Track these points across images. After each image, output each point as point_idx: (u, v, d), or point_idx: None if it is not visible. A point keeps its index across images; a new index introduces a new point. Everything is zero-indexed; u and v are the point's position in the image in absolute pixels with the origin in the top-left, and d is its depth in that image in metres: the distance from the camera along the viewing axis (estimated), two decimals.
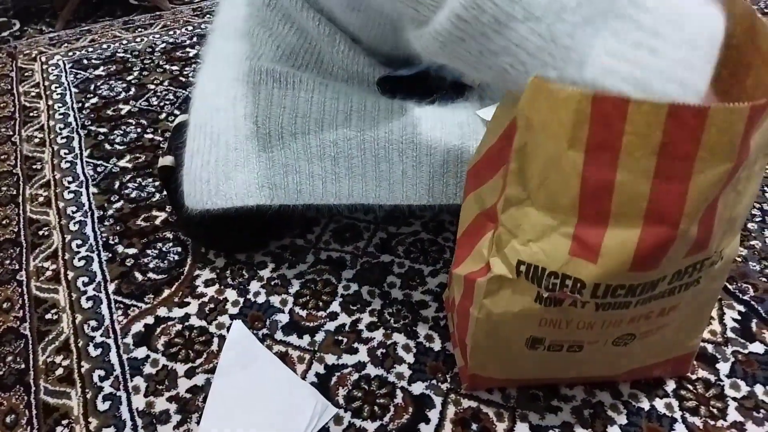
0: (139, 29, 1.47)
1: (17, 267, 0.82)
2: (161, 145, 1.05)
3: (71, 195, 0.94)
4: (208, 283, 0.78)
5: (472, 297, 0.54)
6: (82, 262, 0.82)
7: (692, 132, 0.38)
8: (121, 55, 1.35)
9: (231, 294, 0.76)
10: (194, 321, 0.73)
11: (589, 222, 0.43)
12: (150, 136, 1.07)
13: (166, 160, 0.78)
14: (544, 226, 0.46)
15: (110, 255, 0.83)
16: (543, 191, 0.45)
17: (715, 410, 0.62)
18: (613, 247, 0.43)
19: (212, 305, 0.75)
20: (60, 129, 1.10)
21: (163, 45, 1.38)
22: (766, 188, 0.91)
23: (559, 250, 0.45)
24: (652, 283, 0.45)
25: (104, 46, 1.39)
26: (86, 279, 0.79)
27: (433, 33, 0.44)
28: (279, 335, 0.71)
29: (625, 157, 0.40)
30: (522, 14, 0.40)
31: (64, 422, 0.63)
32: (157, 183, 0.95)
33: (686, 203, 0.40)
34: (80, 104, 1.17)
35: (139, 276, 0.80)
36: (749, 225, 0.84)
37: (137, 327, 0.73)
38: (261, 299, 0.76)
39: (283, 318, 0.73)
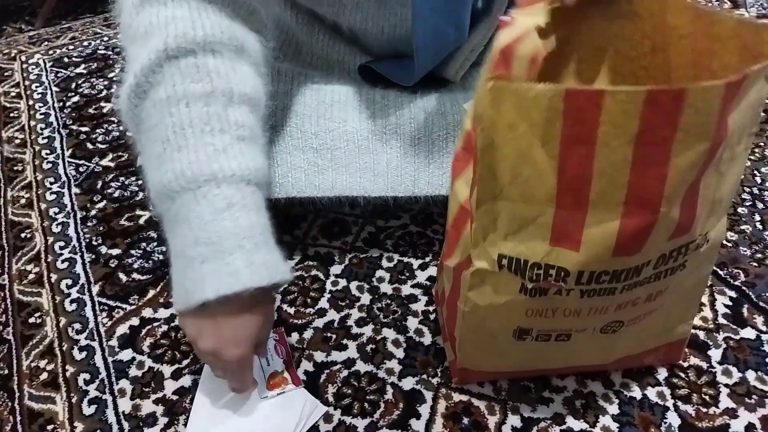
0: None
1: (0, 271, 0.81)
2: None
3: (53, 196, 0.93)
4: None
5: (460, 290, 0.53)
6: (66, 264, 0.81)
7: (669, 116, 0.38)
8: (102, 52, 1.33)
9: None
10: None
11: (567, 211, 0.43)
12: None
13: None
14: (521, 218, 0.45)
15: (94, 256, 0.81)
16: (516, 186, 0.44)
17: (707, 397, 0.62)
18: (594, 234, 0.42)
19: None
20: (41, 129, 1.08)
21: None
22: (756, 171, 0.91)
23: (539, 242, 0.45)
24: (636, 268, 0.45)
25: (85, 43, 1.37)
26: (70, 281, 0.78)
27: None
28: None
29: (602, 149, 0.40)
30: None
31: (50, 427, 0.62)
32: (140, 182, 0.94)
33: (666, 186, 0.40)
34: (61, 103, 1.15)
35: (123, 277, 0.78)
36: (739, 209, 0.84)
37: (122, 329, 0.72)
38: None
39: None
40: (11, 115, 1.13)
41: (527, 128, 0.41)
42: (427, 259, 0.79)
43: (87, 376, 0.67)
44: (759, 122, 0.45)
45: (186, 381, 0.65)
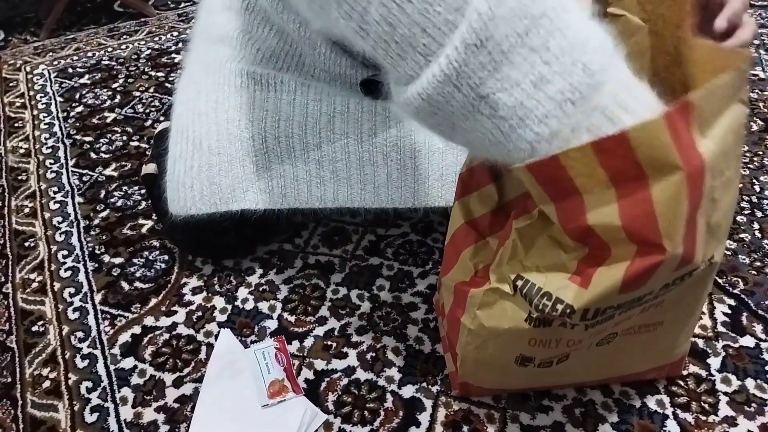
0: (125, 36, 1.46)
1: (3, 279, 0.81)
2: (147, 152, 1.04)
3: (57, 205, 0.93)
4: (195, 291, 0.77)
5: (464, 306, 0.53)
6: (69, 273, 0.81)
7: (626, 158, 0.38)
8: (107, 62, 1.34)
9: (219, 301, 0.76)
10: (182, 330, 0.72)
11: (596, 250, 0.43)
12: (136, 143, 1.07)
13: (149, 168, 0.78)
14: (555, 260, 0.46)
15: (96, 265, 0.82)
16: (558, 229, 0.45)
17: (706, 405, 0.62)
18: (605, 272, 0.42)
19: (200, 313, 0.74)
20: (45, 139, 1.09)
21: (149, 51, 1.38)
22: (755, 180, 0.91)
23: (561, 275, 0.45)
24: (638, 298, 0.45)
25: (89, 54, 1.39)
26: (73, 290, 0.79)
27: (408, 98, 0.42)
28: (268, 342, 0.70)
29: (589, 198, 0.40)
30: (487, 111, 0.39)
31: None
32: (143, 191, 0.95)
33: (659, 223, 0.39)
34: (65, 113, 1.16)
35: (125, 285, 0.79)
36: (738, 218, 0.84)
37: (124, 337, 0.72)
38: (249, 306, 0.75)
39: (272, 324, 0.73)
40: (16, 125, 1.14)
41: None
42: (427, 268, 0.79)
43: (89, 384, 0.67)
44: (743, 144, 0.45)
45: (187, 389, 0.66)
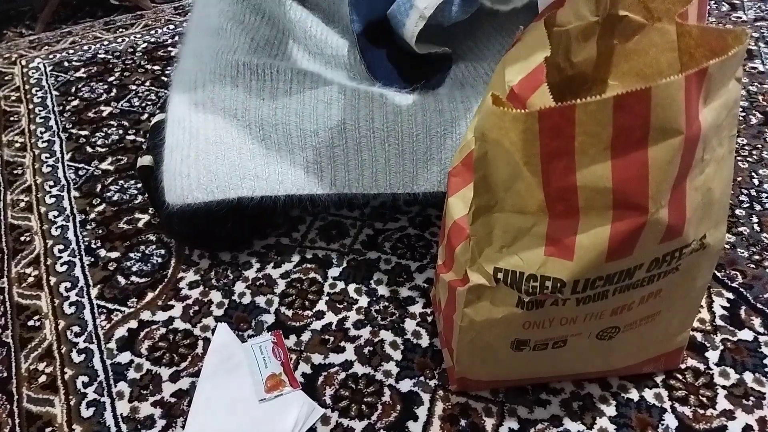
0: (120, 29, 1.45)
1: None
2: (143, 146, 1.04)
3: (53, 199, 0.93)
4: (192, 285, 0.77)
5: (455, 304, 0.53)
6: (65, 267, 0.81)
7: (640, 116, 0.39)
8: (102, 56, 1.34)
9: (216, 295, 0.75)
10: (178, 324, 0.72)
11: (560, 219, 0.43)
12: (132, 137, 1.06)
13: (145, 160, 0.77)
14: (516, 228, 0.46)
15: (92, 259, 0.82)
16: (510, 196, 0.45)
17: (704, 399, 0.62)
18: (586, 241, 0.43)
19: (197, 307, 0.74)
20: (41, 133, 1.09)
21: (145, 45, 1.37)
22: (754, 173, 0.91)
23: (535, 252, 0.45)
24: (628, 270, 0.45)
25: (85, 47, 1.38)
26: (69, 284, 0.78)
27: None
28: (265, 336, 0.70)
29: (581, 158, 0.41)
30: None
31: (48, 430, 0.62)
32: (139, 185, 0.94)
33: (649, 186, 0.40)
34: (61, 107, 1.15)
35: (122, 280, 0.78)
36: (737, 211, 0.84)
37: (121, 332, 0.72)
38: (246, 300, 0.75)
39: (269, 318, 0.72)
40: (11, 118, 1.14)
41: (510, 146, 0.42)
42: (425, 262, 0.79)
43: (85, 378, 0.67)
44: (737, 124, 0.46)
45: (184, 383, 0.66)
